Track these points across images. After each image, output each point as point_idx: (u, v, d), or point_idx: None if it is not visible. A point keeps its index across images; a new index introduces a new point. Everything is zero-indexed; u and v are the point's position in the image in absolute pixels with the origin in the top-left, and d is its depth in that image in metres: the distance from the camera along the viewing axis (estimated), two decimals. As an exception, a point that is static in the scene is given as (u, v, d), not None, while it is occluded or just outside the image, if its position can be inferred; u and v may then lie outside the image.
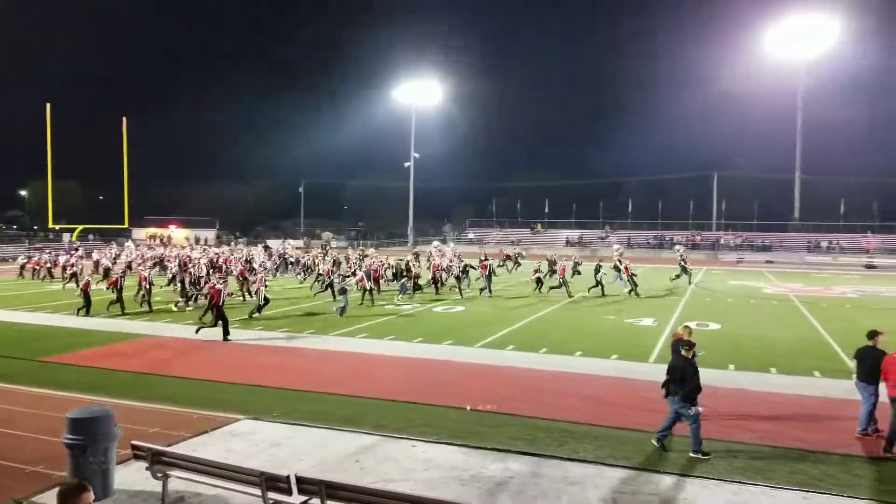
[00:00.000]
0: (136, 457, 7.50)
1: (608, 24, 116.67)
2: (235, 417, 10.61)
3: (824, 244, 63.62)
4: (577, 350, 16.45)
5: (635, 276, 28.63)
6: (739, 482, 8.20)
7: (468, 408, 11.35)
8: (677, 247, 46.15)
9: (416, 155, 77.88)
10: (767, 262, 55.36)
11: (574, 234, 77.32)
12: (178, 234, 77.29)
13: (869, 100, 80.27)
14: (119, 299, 22.42)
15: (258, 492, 6.58)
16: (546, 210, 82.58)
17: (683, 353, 9.52)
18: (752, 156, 78.23)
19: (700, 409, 9.13)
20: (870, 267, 52.85)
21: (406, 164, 78.64)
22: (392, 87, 77.88)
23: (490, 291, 27.97)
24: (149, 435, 9.12)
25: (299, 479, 6.45)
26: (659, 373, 13.57)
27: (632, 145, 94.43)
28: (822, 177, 70.42)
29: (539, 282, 28.92)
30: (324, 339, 17.91)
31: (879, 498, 7.78)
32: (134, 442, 7.49)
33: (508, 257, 41.29)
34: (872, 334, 10.16)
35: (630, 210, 79.56)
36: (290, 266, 37.81)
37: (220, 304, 17.42)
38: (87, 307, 21.84)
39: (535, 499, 7.70)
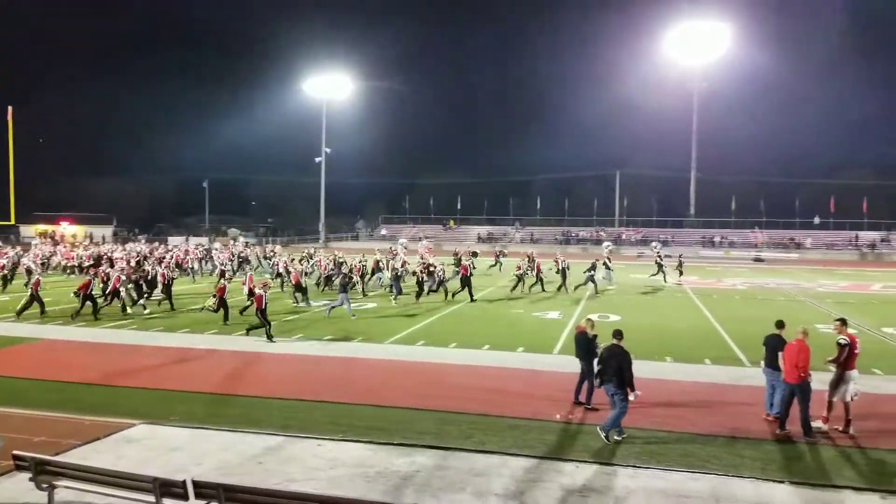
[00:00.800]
0: (19, 468, 7.05)
1: (519, 26, 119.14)
2: (130, 423, 10.15)
3: (717, 239, 67.51)
4: (485, 344, 16.71)
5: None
6: (635, 466, 8.59)
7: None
8: (654, 244, 47.43)
9: (328, 150, 76.79)
10: (666, 256, 57.91)
11: (485, 230, 78.53)
12: (70, 230, 73.07)
13: (759, 103, 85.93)
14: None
15: (153, 499, 6.33)
16: (458, 207, 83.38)
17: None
18: (651, 155, 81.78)
19: (637, 395, 9.83)
20: (758, 260, 56.52)
21: (317, 160, 77.38)
22: (302, 81, 76.30)
23: (472, 297, 25.34)
24: (34, 444, 8.61)
25: (196, 484, 6.25)
26: (562, 363, 14.14)
27: (540, 144, 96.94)
28: (716, 176, 74.77)
29: (520, 279, 28.44)
30: (230, 339, 17.39)
31: (761, 476, 8.32)
32: (15, 452, 7.04)
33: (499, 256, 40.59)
34: (780, 324, 10.79)
35: (538, 207, 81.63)
36: (247, 266, 35.68)
37: (264, 307, 17.02)
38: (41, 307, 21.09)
39: (439, 491, 7.79)
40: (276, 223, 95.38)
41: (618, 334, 10.11)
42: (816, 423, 9.94)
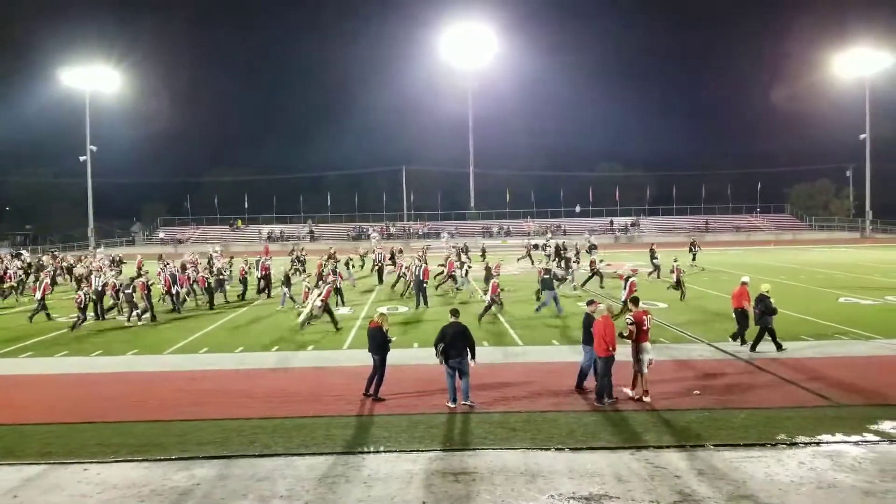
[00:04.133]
0: None
1: (312, 23, 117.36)
2: None
3: (496, 229, 72.52)
4: (274, 346, 16.51)
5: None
6: (415, 451, 9.13)
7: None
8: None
9: (93, 148, 69.58)
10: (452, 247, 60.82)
11: (276, 228, 76.60)
12: None
13: (528, 102, 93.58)
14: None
15: None
16: (246, 206, 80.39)
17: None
18: (434, 151, 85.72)
19: (475, 362, 11.16)
20: (535, 247, 61.42)
21: (82, 158, 69.84)
22: (60, 71, 68.06)
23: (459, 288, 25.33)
24: None
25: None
26: (350, 357, 14.48)
27: (330, 142, 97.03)
28: (492, 170, 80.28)
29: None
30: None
31: (556, 445, 9.24)
32: None
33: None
34: (590, 302, 11.91)
35: (329, 203, 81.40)
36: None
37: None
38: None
39: (221, 502, 7.67)
40: (34, 230, 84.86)
41: (455, 313, 11.47)
42: (625, 390, 11.28)
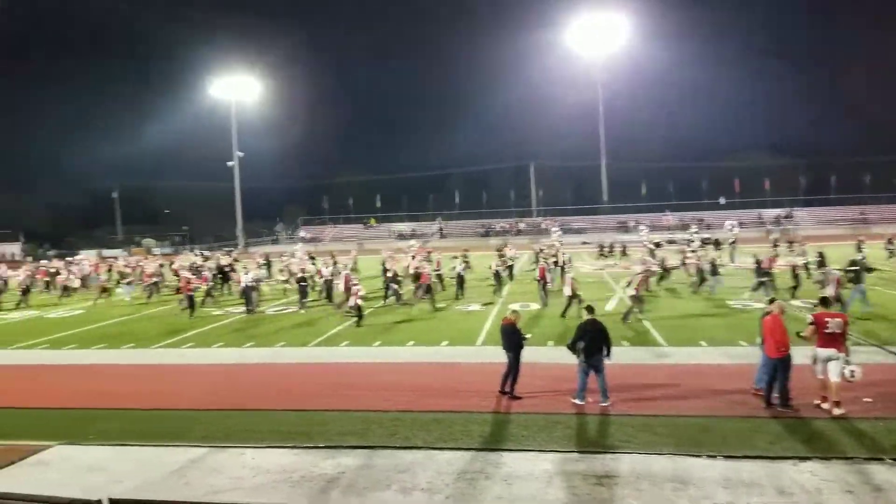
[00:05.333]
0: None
1: (432, 24, 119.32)
2: (45, 445, 9.76)
3: (631, 223, 69.94)
4: (409, 340, 16.87)
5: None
6: (555, 451, 8.92)
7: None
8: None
9: (240, 154, 74.80)
10: (583, 243, 59.74)
11: (407, 227, 78.60)
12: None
13: (662, 90, 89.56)
14: None
15: (68, 523, 6.17)
16: (378, 205, 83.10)
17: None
18: (563, 145, 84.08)
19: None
20: (671, 242, 58.76)
21: (229, 164, 75.27)
22: (208, 83, 73.90)
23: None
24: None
25: (113, 502, 6.13)
26: (484, 354, 14.48)
27: (456, 139, 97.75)
28: (625, 162, 77.57)
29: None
30: (145, 353, 16.89)
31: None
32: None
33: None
34: (771, 301, 11.12)
35: (457, 201, 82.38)
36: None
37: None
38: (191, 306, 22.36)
39: (365, 490, 7.89)
40: (191, 231, 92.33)
41: (591, 310, 11.30)
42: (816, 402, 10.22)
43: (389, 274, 24.15)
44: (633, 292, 18.70)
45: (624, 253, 37.70)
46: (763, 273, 21.63)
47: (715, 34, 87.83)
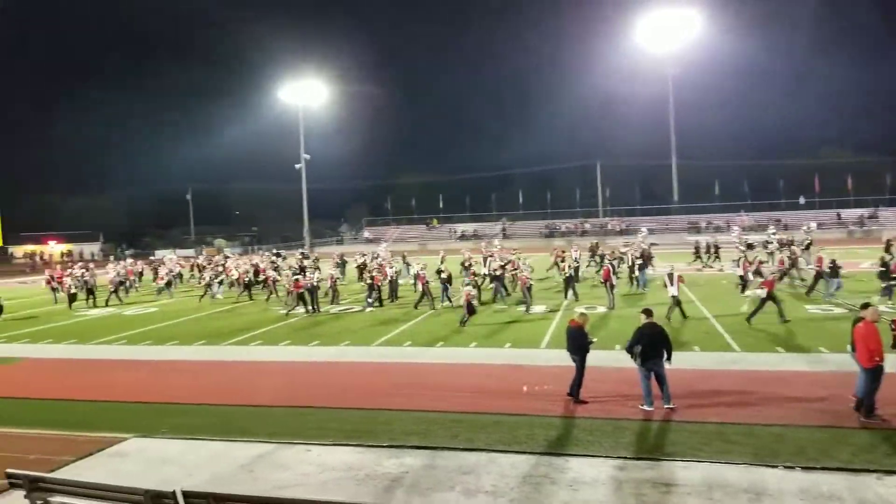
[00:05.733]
0: (13, 485, 7.10)
1: (492, 22, 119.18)
2: (121, 437, 10.19)
3: (703, 224, 67.66)
4: (472, 342, 16.82)
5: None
6: (623, 458, 8.71)
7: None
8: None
9: (307, 156, 76.35)
10: (652, 244, 58.17)
11: (469, 227, 78.57)
12: (57, 249, 72.38)
13: (734, 86, 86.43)
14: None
15: (144, 512, 6.37)
16: (441, 205, 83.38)
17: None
18: (630, 143, 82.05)
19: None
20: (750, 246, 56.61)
21: (297, 166, 76.92)
22: (278, 88, 75.93)
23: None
24: (28, 462, 8.63)
25: (186, 494, 6.30)
26: (548, 357, 14.28)
27: (519, 138, 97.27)
28: (696, 161, 75.04)
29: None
30: (215, 350, 17.41)
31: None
32: (9, 470, 7.07)
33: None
34: (864, 305, 10.48)
35: (521, 202, 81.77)
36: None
37: None
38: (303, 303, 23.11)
39: (428, 491, 7.88)
40: (259, 231, 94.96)
41: (649, 312, 10.85)
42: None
43: (444, 275, 23.97)
44: (762, 293, 17.72)
45: (716, 254, 36.30)
46: (891, 277, 20.59)
47: (792, 25, 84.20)
